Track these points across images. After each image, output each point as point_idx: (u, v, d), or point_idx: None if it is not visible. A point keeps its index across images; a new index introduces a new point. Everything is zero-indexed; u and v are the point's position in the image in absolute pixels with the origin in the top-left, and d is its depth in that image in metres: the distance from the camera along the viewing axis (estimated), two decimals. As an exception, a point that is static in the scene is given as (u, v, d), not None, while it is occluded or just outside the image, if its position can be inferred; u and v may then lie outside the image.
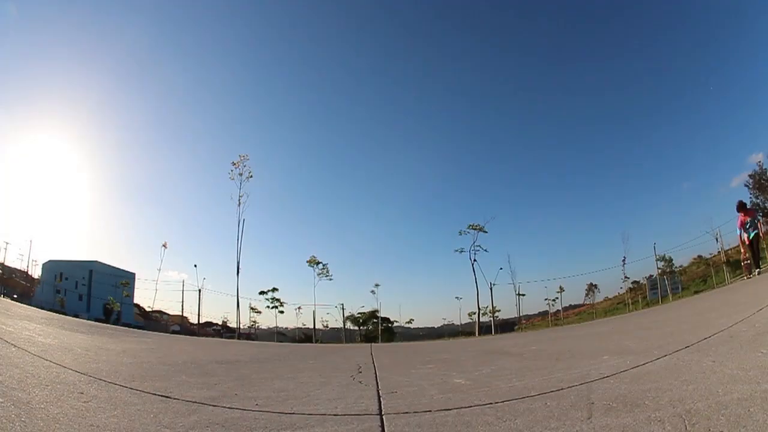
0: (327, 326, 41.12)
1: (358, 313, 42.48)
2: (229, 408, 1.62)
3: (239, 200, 27.15)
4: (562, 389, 1.84)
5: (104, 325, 8.59)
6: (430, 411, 1.59)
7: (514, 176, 64.44)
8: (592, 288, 44.82)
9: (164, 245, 32.80)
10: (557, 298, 38.71)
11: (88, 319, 14.43)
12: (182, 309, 32.09)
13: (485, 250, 31.50)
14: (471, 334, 30.77)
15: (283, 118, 69.54)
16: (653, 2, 52.35)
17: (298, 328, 38.84)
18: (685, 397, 1.46)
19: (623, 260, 32.76)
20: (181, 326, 31.82)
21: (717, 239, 29.46)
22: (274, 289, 34.37)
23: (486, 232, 31.37)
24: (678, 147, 53.86)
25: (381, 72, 67.90)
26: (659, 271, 30.02)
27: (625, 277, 34.12)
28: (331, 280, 33.30)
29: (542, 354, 3.64)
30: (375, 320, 42.11)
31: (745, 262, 10.18)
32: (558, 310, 39.92)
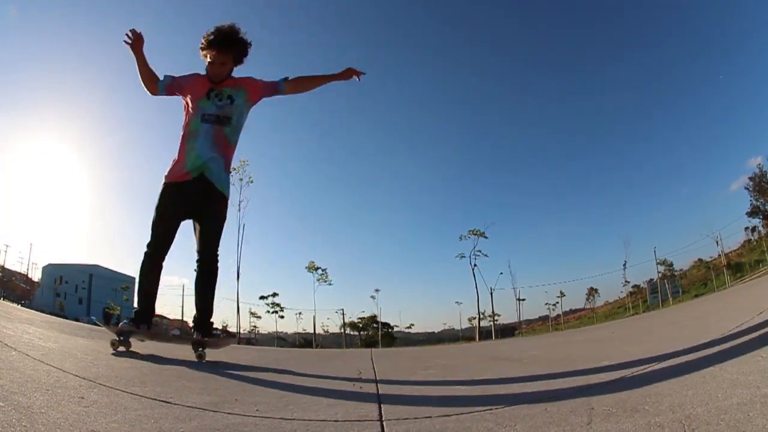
0: (327, 331, 41.16)
1: (359, 319, 42.44)
2: (229, 413, 1.62)
3: (239, 205, 27.18)
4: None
5: (104, 329, 8.55)
6: (430, 417, 1.59)
7: (514, 181, 64.71)
8: (592, 292, 44.75)
9: (164, 249, 32.85)
10: (558, 302, 38.67)
11: (87, 323, 14.38)
12: (182, 314, 32.10)
13: (486, 255, 31.51)
14: (471, 339, 30.67)
15: (284, 122, 69.76)
16: (652, 7, 52.66)
17: (298, 333, 38.80)
18: (684, 403, 1.46)
19: (624, 264, 32.72)
20: (181, 331, 31.75)
21: (717, 243, 29.51)
22: (274, 294, 34.40)
23: (486, 237, 31.40)
24: (677, 152, 54.13)
25: (381, 77, 68.19)
26: (660, 275, 30.03)
27: (626, 281, 34.08)
28: (330, 285, 33.33)
29: (542, 359, 3.63)
30: (375, 325, 42.01)
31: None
32: (558, 315, 39.89)
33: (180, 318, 33.36)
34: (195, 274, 3.07)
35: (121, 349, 2.91)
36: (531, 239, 63.65)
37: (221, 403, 1.83)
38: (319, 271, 32.77)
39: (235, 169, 27.66)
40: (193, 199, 2.89)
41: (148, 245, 2.94)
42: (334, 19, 66.17)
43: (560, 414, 1.51)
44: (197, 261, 3.05)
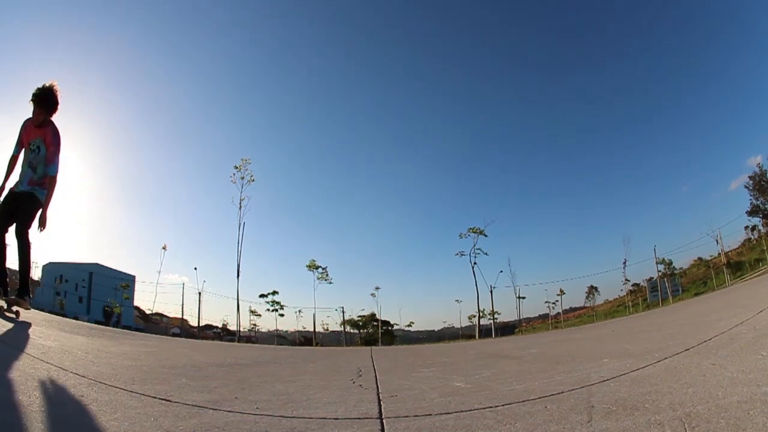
0: (327, 329, 41.13)
1: (358, 317, 42.46)
2: (229, 411, 1.62)
3: (240, 203, 27.06)
4: (562, 392, 1.84)
5: (104, 327, 8.57)
6: (430, 414, 1.59)
7: (514, 180, 64.59)
8: (592, 290, 44.76)
9: (164, 248, 32.71)
10: (557, 300, 38.61)
11: (87, 322, 14.40)
12: (182, 312, 32.02)
13: (485, 254, 31.42)
14: (471, 337, 30.70)
15: (285, 122, 69.75)
16: (652, 10, 52.57)
17: (298, 331, 38.76)
18: (685, 401, 1.46)
19: (624, 263, 32.70)
20: (181, 329, 31.70)
21: (717, 241, 29.50)
22: (275, 293, 34.29)
23: (486, 235, 31.29)
24: (677, 151, 54.09)
25: (381, 78, 68.16)
26: (660, 273, 29.99)
27: (626, 279, 34.07)
28: (330, 283, 33.22)
29: (542, 357, 3.64)
30: (375, 323, 42.05)
31: None
32: (558, 313, 39.86)
33: (180, 317, 33.34)
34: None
35: None
36: (531, 237, 63.56)
37: (221, 401, 1.83)
38: (320, 270, 32.71)
39: (236, 167, 27.54)
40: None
41: None
42: (333, 18, 66.17)
43: (560, 412, 1.51)
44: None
